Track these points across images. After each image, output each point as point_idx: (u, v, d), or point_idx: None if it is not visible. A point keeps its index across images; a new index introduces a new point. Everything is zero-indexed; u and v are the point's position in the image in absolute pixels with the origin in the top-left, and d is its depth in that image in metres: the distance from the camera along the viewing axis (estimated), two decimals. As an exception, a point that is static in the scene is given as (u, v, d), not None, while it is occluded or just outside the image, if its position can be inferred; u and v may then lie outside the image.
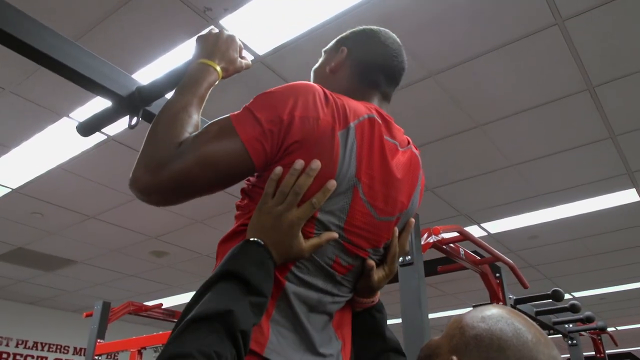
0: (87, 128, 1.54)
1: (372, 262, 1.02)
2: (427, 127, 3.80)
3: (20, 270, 6.75)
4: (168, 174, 0.87)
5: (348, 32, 1.18)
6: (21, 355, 8.02)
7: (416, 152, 1.11)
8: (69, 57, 1.28)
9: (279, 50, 3.04)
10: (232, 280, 0.80)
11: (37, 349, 8.25)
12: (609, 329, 5.32)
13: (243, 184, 1.02)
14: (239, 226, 0.97)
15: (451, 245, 3.07)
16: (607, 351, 5.34)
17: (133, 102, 1.40)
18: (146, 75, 2.99)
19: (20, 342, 8.08)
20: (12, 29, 1.18)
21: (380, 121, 0.99)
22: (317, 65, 1.21)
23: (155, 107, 1.45)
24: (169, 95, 1.45)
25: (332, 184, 0.89)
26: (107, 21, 2.80)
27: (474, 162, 4.30)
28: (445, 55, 3.12)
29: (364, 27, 1.17)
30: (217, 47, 1.15)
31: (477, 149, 4.08)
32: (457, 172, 4.45)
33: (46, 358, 8.31)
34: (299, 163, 0.88)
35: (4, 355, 7.81)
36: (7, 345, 7.90)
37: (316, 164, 0.88)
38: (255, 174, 0.97)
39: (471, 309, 0.88)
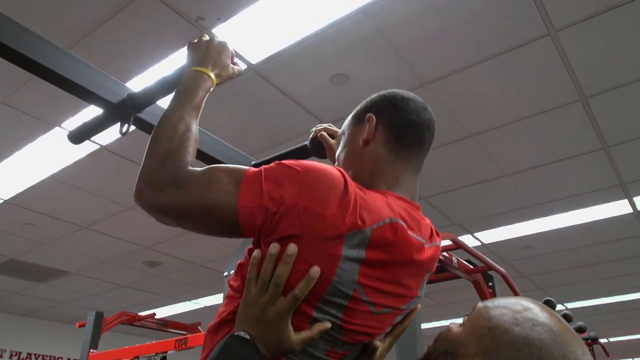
0: (78, 136, 1.54)
1: (377, 344, 0.98)
2: (420, 137, 3.80)
3: (13, 282, 6.70)
4: (167, 201, 0.89)
5: (364, 102, 1.11)
6: (14, 366, 7.96)
7: (439, 244, 1.04)
8: (60, 64, 1.28)
9: (272, 59, 3.05)
10: None
11: (30, 361, 8.20)
12: (601, 340, 5.32)
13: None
14: (228, 314, 0.93)
15: (444, 254, 3.07)
16: (599, 363, 5.34)
17: (124, 109, 1.41)
18: (139, 84, 2.98)
19: (14, 354, 8.03)
20: (3, 37, 1.18)
21: (403, 224, 0.90)
22: (341, 146, 1.11)
23: (147, 114, 1.46)
24: (160, 102, 1.47)
25: (316, 271, 0.82)
26: (99, 30, 2.81)
27: (468, 172, 4.31)
28: (438, 65, 3.13)
29: (380, 92, 1.10)
30: (209, 54, 1.14)
31: (471, 158, 4.09)
32: (450, 182, 4.46)
33: (39, 370, 8.26)
34: (274, 247, 0.83)
35: (-3, 367, 7.75)
36: (1, 357, 7.85)
37: (292, 249, 0.82)
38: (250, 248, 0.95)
39: (498, 298, 0.81)
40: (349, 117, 1.12)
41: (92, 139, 3.71)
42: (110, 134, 3.56)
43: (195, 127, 1.01)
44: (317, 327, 0.85)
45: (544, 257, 6.15)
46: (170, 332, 4.73)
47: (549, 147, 3.94)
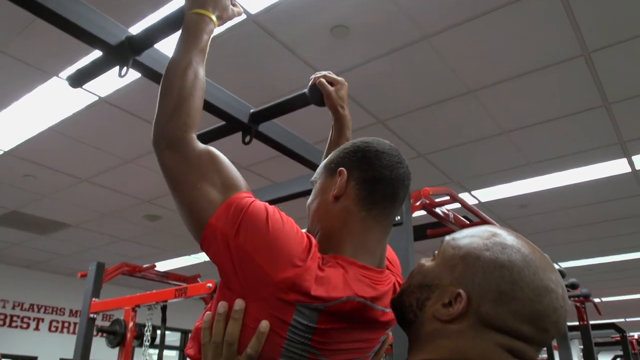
0: (77, 79, 1.54)
1: None
2: (420, 91, 3.79)
3: (14, 234, 6.78)
4: (169, 163, 0.92)
5: (337, 152, 1.06)
6: (18, 316, 8.16)
7: (390, 288, 1.01)
8: (59, 4, 1.28)
9: (272, 9, 3.00)
10: None
11: (33, 311, 8.38)
12: (593, 299, 5.42)
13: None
14: None
15: (442, 210, 3.10)
16: (590, 321, 5.44)
17: (123, 51, 1.40)
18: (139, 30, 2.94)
19: (17, 304, 8.21)
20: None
21: (363, 301, 0.89)
22: (311, 197, 1.07)
23: (146, 58, 1.45)
24: (158, 45, 1.46)
25: (265, 325, 0.82)
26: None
27: (466, 129, 4.31)
28: (440, 18, 3.09)
29: (353, 142, 1.06)
30: None
31: (470, 115, 4.08)
32: (449, 139, 4.46)
33: (42, 319, 8.45)
34: (222, 306, 0.84)
35: (1, 317, 7.93)
36: (3, 307, 8.02)
37: (239, 304, 0.82)
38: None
39: (464, 229, 0.84)
40: (321, 166, 1.09)
41: (90, 90, 3.71)
42: (109, 85, 3.55)
43: (202, 73, 1.02)
44: None
45: (540, 216, 6.21)
46: (170, 283, 4.82)
47: (549, 104, 3.93)
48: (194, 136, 0.94)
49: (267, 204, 0.89)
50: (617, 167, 4.91)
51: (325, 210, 1.00)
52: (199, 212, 0.88)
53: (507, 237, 0.77)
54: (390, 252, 1.07)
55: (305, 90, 1.48)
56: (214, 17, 1.11)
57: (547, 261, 0.76)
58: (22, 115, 4.01)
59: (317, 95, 1.42)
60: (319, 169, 1.09)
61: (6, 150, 4.55)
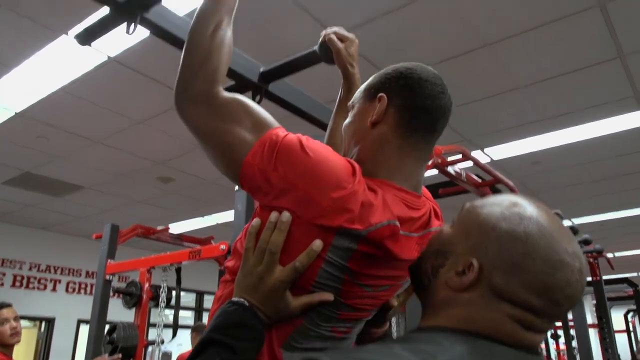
0: (86, 36, 1.53)
1: (393, 302, 0.99)
2: (433, 47, 3.72)
3: (28, 195, 6.85)
4: (195, 117, 0.92)
5: (378, 76, 1.04)
6: (35, 277, 8.26)
7: (439, 225, 1.02)
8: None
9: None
10: (215, 348, 0.80)
11: (50, 272, 8.49)
12: (607, 255, 5.43)
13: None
14: (226, 299, 0.93)
15: (454, 169, 3.08)
16: (604, 276, 5.46)
17: (130, 8, 1.39)
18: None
19: (33, 266, 8.30)
20: None
21: (398, 225, 0.89)
22: (348, 120, 1.07)
23: (154, 15, 1.44)
24: (167, 4, 1.44)
25: (318, 244, 0.83)
26: None
27: (480, 84, 4.24)
28: (452, -30, 3.01)
29: (396, 66, 1.03)
30: None
31: (483, 70, 4.01)
32: (462, 95, 4.40)
33: (59, 280, 8.58)
34: (274, 216, 0.84)
35: (18, 278, 8.06)
36: (20, 268, 8.12)
37: (285, 216, 0.83)
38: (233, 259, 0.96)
39: (486, 197, 0.83)
40: (361, 89, 1.07)
41: (99, 49, 3.67)
42: (118, 44, 3.52)
43: (230, 33, 1.00)
44: (318, 295, 0.87)
45: (553, 173, 6.16)
46: (184, 245, 4.88)
47: (564, 57, 3.84)
48: (221, 88, 0.94)
49: (300, 134, 0.90)
50: (632, 120, 4.82)
51: (361, 135, 1.00)
52: (234, 154, 0.88)
53: (527, 207, 0.76)
54: (424, 190, 1.06)
55: (315, 47, 1.45)
56: None
57: (566, 232, 0.75)
58: (32, 75, 3.99)
59: (327, 53, 1.39)
60: (357, 92, 1.08)
61: (18, 111, 4.55)
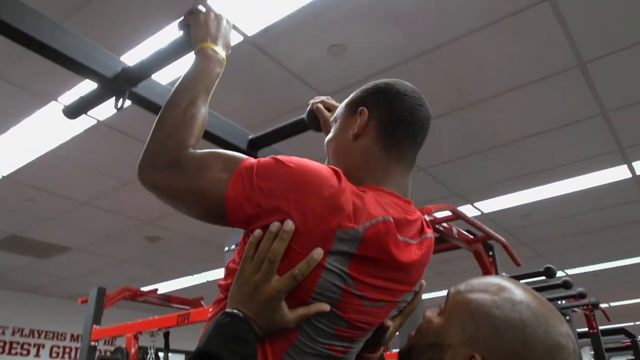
0: (73, 111, 1.52)
1: (389, 324, 0.98)
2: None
3: (14, 258, 6.73)
4: (165, 182, 0.90)
5: (359, 92, 1.07)
6: (18, 343, 8.04)
7: (431, 236, 1.02)
8: (53, 38, 1.26)
9: (269, 30, 3.00)
10: None
11: (34, 337, 8.27)
12: (602, 305, 5.37)
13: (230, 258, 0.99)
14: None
15: (444, 225, 3.07)
16: (600, 327, 5.40)
17: (119, 83, 1.39)
18: (134, 57, 2.94)
19: (17, 330, 8.09)
20: (-5, 10, 1.15)
21: (393, 221, 0.89)
22: (330, 135, 1.08)
23: (142, 89, 1.44)
24: (155, 77, 1.44)
25: (319, 253, 0.81)
26: (93, 3, 2.75)
27: (467, 141, 4.29)
28: (437, 33, 3.09)
29: (376, 82, 1.06)
30: (220, 31, 1.12)
31: (469, 127, 4.07)
32: (449, 152, 4.44)
33: (43, 345, 8.34)
34: (275, 225, 0.82)
35: (1, 344, 7.82)
36: (2, 333, 7.91)
37: (288, 225, 0.81)
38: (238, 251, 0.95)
39: (469, 281, 0.82)
40: (342, 105, 1.09)
41: (89, 113, 3.69)
42: (107, 109, 3.53)
43: (204, 112, 0.99)
44: (315, 306, 0.84)
45: (544, 224, 6.17)
46: (173, 307, 4.77)
47: (548, 114, 3.92)
48: (191, 150, 0.93)
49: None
50: (618, 173, 4.89)
51: (345, 149, 1.02)
52: (212, 196, 0.87)
53: (515, 291, 0.76)
54: None
55: (304, 115, 1.46)
56: (225, 57, 1.10)
57: (556, 314, 0.75)
58: (21, 140, 3.99)
59: (315, 121, 1.41)
60: (339, 108, 1.10)
61: (5, 175, 4.53)
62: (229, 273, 0.96)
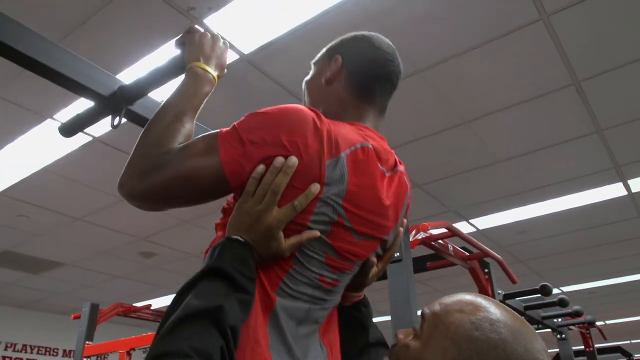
0: (69, 129, 1.52)
1: (373, 260, 1.03)
2: (415, 123, 3.80)
3: (7, 274, 6.69)
4: (148, 185, 0.89)
5: (338, 39, 1.14)
6: (10, 358, 7.98)
7: (403, 171, 1.08)
8: (50, 57, 1.26)
9: (265, 48, 3.02)
10: (216, 277, 0.79)
11: (26, 352, 8.21)
12: (597, 323, 5.36)
13: (224, 201, 1.01)
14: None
15: (440, 241, 3.07)
16: (596, 345, 5.38)
17: (115, 101, 1.39)
18: (130, 75, 2.95)
19: (9, 345, 8.04)
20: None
21: (373, 149, 0.95)
22: (308, 77, 1.16)
23: (138, 107, 1.44)
24: (152, 95, 1.44)
25: (316, 187, 0.86)
26: (90, 22, 2.77)
27: (462, 159, 4.30)
28: (431, 52, 3.11)
29: (355, 33, 1.14)
30: (214, 52, 1.13)
31: (465, 145, 4.09)
32: (445, 169, 4.45)
33: (35, 361, 8.25)
34: (279, 161, 0.85)
35: (-7, 359, 7.75)
36: (-5, 348, 7.83)
37: (292, 160, 0.85)
38: (233, 195, 0.96)
39: (442, 300, 0.81)
40: (323, 49, 1.16)
41: (84, 130, 3.69)
42: (103, 126, 3.53)
43: (189, 127, 1.00)
44: (306, 234, 0.88)
45: (539, 241, 6.18)
46: (167, 322, 4.72)
47: (543, 132, 3.94)
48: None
49: None
50: (613, 191, 4.91)
51: (319, 90, 1.10)
52: (207, 170, 0.88)
53: (490, 309, 0.75)
54: None
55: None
56: (216, 77, 1.11)
57: (530, 329, 0.75)
58: (16, 157, 3.98)
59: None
60: (320, 52, 1.16)
61: (0, 191, 4.51)
62: (224, 214, 1.00)
